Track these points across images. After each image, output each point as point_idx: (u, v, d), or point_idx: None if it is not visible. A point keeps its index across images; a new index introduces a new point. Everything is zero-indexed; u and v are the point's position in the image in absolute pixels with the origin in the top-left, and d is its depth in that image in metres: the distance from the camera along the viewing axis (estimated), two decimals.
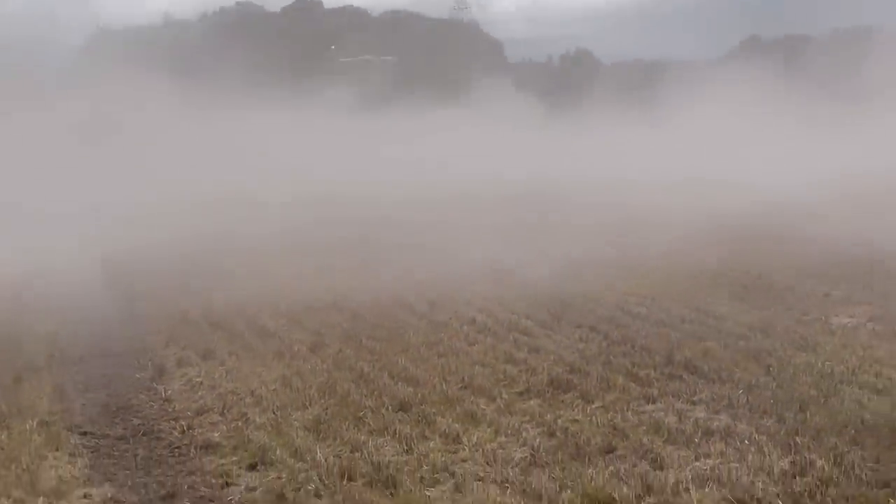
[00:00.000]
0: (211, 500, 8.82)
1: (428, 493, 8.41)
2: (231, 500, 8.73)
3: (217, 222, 22.53)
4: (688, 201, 24.28)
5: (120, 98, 36.70)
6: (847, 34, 57.29)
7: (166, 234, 21.00)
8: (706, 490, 8.16)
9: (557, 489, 8.25)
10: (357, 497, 8.37)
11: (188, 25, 69.70)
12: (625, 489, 8.10)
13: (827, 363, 12.34)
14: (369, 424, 10.60)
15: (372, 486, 8.72)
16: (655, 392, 11.40)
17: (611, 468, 8.73)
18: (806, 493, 8.00)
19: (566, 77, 68.65)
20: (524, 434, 9.89)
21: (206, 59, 46.83)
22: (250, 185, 29.33)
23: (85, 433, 10.94)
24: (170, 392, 12.76)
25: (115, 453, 10.30)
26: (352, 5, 79.26)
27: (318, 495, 8.55)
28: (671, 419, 10.37)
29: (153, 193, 24.74)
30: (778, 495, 7.98)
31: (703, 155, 31.28)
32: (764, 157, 29.65)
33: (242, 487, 8.95)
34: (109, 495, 8.80)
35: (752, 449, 9.08)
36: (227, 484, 9.08)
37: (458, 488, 8.52)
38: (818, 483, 8.14)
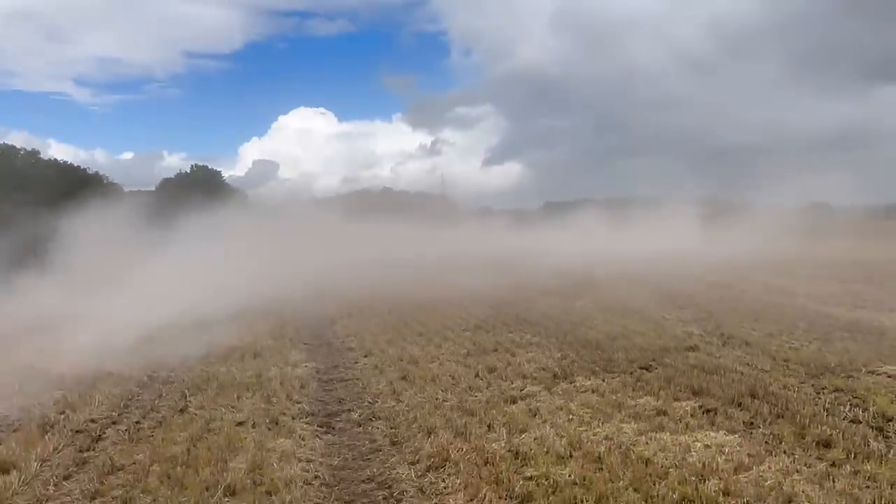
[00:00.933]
0: (350, 367, 11.52)
1: (430, 366, 11.12)
2: (358, 366, 11.66)
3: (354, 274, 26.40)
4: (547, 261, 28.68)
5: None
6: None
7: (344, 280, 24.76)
8: (531, 364, 11.00)
9: (476, 364, 11.09)
10: (403, 367, 11.19)
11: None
12: (499, 364, 11.05)
13: (574, 318, 15.55)
14: (408, 341, 13.53)
15: (409, 363, 11.47)
16: (513, 330, 14.33)
17: (496, 357, 11.64)
18: (566, 366, 10.72)
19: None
20: (465, 343, 12.96)
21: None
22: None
23: (305, 343, 13.92)
24: (336, 329, 15.67)
25: (316, 350, 13.26)
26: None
27: (388, 366, 11.29)
28: (517, 338, 13.28)
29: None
30: (556, 366, 10.66)
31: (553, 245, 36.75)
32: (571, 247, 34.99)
33: (361, 363, 11.82)
34: (313, 365, 11.75)
35: (547, 350, 12.13)
36: (356, 362, 11.98)
37: (441, 364, 11.27)
38: (570, 362, 11.03)
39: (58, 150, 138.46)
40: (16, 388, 10.56)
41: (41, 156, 59.81)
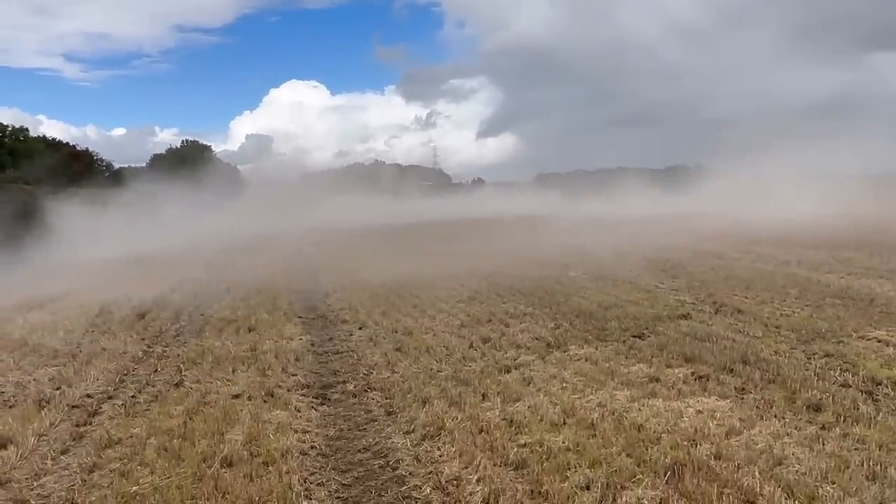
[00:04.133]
0: (344, 340, 11.60)
1: (424, 337, 11.12)
2: (353, 338, 11.56)
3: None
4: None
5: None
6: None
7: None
8: (525, 333, 11.00)
9: (470, 335, 11.12)
10: (398, 338, 11.23)
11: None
12: (493, 334, 11.04)
13: (568, 288, 15.56)
14: (402, 313, 13.57)
15: (403, 335, 11.50)
16: (506, 300, 14.33)
17: (489, 328, 11.67)
18: (559, 335, 10.69)
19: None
20: (458, 315, 12.96)
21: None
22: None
23: (300, 317, 13.84)
24: (329, 303, 15.49)
25: (311, 323, 13.23)
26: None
27: (383, 338, 11.31)
28: (510, 309, 13.28)
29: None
30: (549, 335, 10.68)
31: None
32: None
33: (356, 336, 11.74)
34: (308, 338, 11.72)
35: (540, 319, 12.13)
36: (351, 334, 11.85)
37: (435, 335, 11.28)
38: (563, 331, 11.03)
39: (49, 127, 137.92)
40: (10, 364, 10.56)
41: (30, 133, 59.37)
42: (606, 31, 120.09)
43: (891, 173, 54.70)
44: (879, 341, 9.59)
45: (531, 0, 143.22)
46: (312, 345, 11.39)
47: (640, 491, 5.41)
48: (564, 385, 8.25)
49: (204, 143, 79.16)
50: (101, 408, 8.28)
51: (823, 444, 6.05)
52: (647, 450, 6.11)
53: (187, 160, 64.14)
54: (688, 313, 12.22)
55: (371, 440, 6.94)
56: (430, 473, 5.99)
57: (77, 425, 7.63)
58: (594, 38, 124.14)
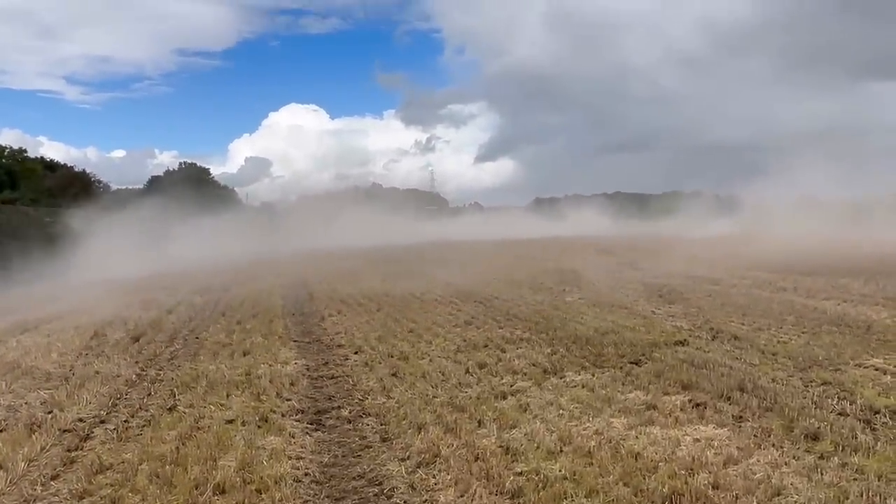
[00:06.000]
0: (340, 364, 11.49)
1: (420, 363, 11.05)
2: (348, 363, 11.51)
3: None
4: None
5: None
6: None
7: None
8: (522, 359, 10.91)
9: (466, 360, 11.03)
10: (394, 363, 11.14)
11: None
12: (489, 360, 10.95)
13: (565, 313, 15.52)
14: (398, 338, 13.45)
15: (399, 360, 11.43)
16: (503, 326, 14.26)
17: (486, 354, 11.57)
18: (556, 361, 10.64)
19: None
20: (455, 340, 12.86)
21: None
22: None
23: (295, 341, 13.65)
24: (325, 327, 15.32)
25: (306, 348, 13.08)
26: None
27: (379, 363, 11.24)
28: (507, 334, 13.20)
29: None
30: (546, 361, 10.65)
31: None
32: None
33: (351, 360, 11.69)
34: (303, 362, 11.58)
35: (537, 345, 12.11)
36: (346, 358, 11.85)
37: (431, 361, 11.19)
38: (560, 357, 10.93)
39: (50, 149, 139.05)
40: (2, 388, 10.47)
41: (29, 154, 59.62)
42: (606, 56, 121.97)
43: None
44: (877, 369, 9.57)
45: (531, 26, 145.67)
46: (307, 369, 11.27)
47: None
48: (561, 412, 8.20)
49: (203, 165, 79.62)
50: (93, 432, 8.18)
51: (822, 474, 6.01)
52: (644, 479, 6.06)
53: (185, 182, 64.36)
54: (685, 340, 12.19)
55: (366, 467, 6.87)
56: (425, 502, 5.93)
57: (68, 450, 7.54)
58: (593, 63, 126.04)
